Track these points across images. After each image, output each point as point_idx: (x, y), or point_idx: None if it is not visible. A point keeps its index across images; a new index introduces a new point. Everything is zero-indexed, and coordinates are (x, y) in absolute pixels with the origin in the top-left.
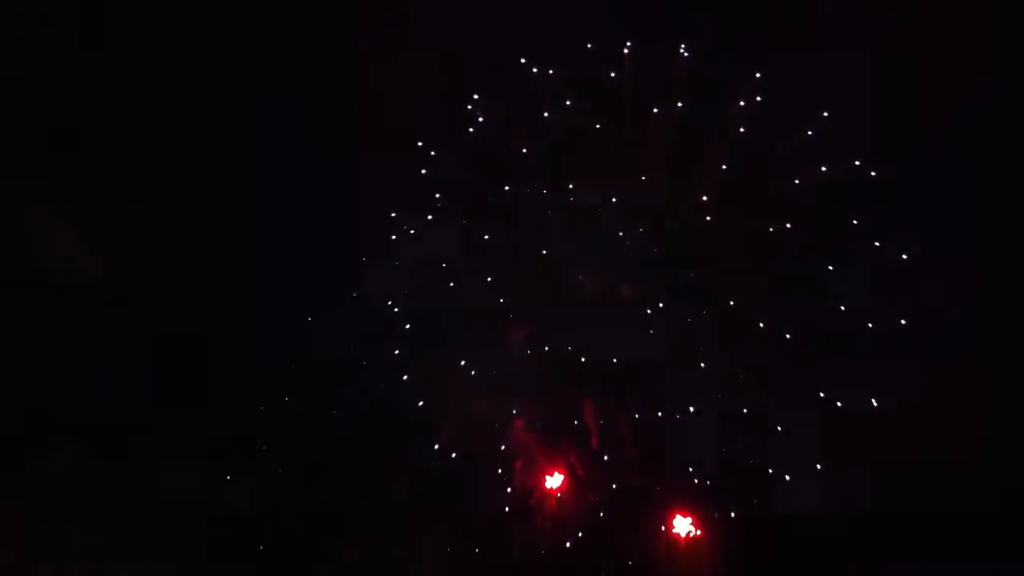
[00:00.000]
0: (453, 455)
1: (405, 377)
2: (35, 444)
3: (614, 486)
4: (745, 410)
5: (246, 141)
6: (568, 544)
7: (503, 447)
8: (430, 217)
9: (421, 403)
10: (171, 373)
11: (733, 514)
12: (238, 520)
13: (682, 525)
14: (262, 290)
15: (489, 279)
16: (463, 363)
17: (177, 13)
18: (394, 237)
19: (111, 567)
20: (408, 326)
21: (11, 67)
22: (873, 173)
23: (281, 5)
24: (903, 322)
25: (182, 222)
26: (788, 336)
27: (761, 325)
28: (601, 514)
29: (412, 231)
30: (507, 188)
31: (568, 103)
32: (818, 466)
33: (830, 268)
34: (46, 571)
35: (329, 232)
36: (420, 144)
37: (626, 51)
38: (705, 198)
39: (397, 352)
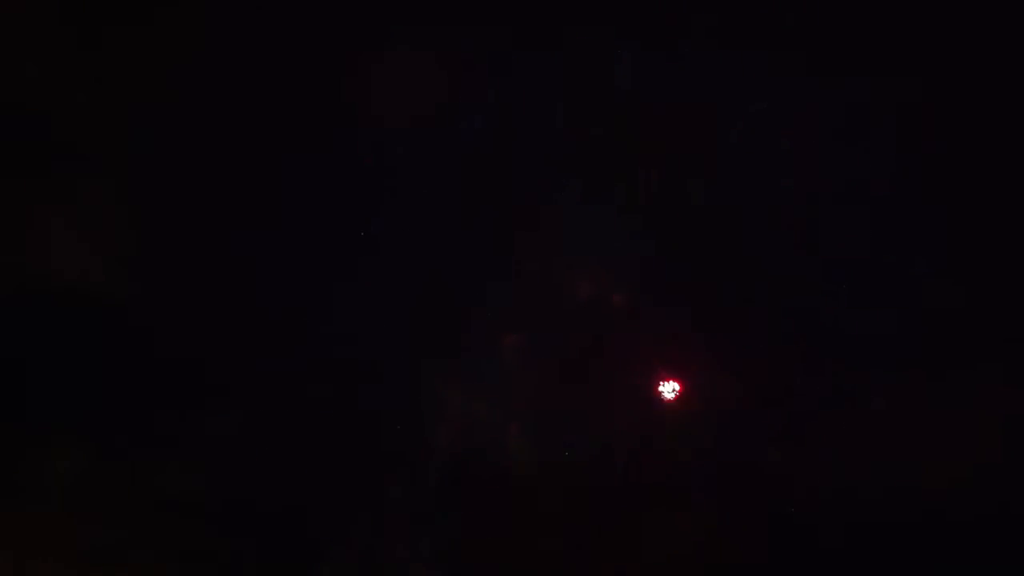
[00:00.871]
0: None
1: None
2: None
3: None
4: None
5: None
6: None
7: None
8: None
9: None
10: (168, 374)
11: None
12: (236, 520)
13: (668, 389)
14: (258, 291)
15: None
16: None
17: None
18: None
19: (109, 568)
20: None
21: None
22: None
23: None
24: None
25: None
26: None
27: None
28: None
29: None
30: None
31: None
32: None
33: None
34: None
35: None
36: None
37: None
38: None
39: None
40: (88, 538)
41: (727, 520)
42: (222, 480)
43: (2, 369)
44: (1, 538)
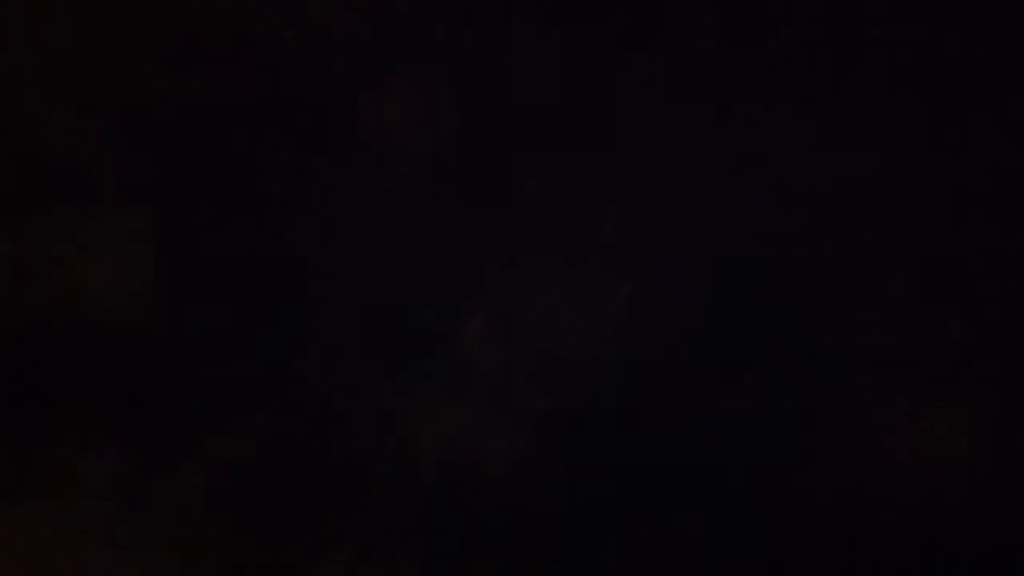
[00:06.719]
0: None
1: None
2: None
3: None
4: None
5: None
6: None
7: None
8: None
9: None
10: (164, 378)
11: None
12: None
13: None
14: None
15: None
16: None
17: None
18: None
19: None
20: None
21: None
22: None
23: None
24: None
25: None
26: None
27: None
28: None
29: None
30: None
31: None
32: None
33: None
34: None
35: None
36: None
37: None
38: None
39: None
40: (112, 530)
41: (726, 526)
42: (236, 488)
43: (40, 375)
44: (32, 531)
